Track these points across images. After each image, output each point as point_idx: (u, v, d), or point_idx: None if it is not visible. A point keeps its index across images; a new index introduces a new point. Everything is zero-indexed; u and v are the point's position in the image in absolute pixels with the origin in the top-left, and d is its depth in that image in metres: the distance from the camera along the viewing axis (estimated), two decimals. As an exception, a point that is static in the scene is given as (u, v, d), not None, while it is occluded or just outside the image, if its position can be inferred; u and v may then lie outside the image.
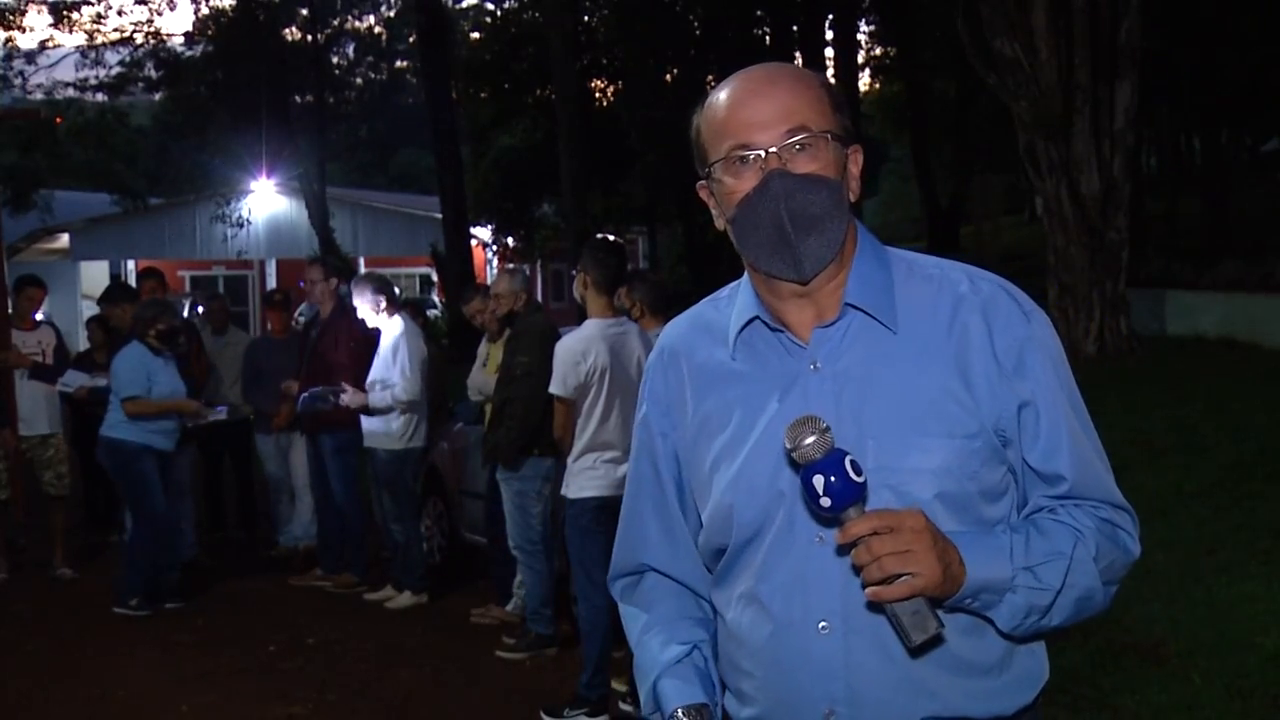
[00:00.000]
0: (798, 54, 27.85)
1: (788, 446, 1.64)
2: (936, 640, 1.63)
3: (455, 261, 23.41)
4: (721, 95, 1.79)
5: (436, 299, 27.37)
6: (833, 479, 1.59)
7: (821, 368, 1.77)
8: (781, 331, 1.80)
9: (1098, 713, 4.82)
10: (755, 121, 1.73)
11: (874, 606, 1.64)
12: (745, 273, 1.85)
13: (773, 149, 1.72)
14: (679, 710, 1.82)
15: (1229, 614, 5.70)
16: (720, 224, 1.82)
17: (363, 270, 26.63)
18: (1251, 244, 17.92)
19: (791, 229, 1.71)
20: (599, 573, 5.44)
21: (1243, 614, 5.68)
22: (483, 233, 30.16)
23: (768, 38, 28.94)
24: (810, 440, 1.62)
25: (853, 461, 1.61)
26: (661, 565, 1.95)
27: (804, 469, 1.62)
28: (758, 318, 1.81)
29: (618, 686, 5.58)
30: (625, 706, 5.49)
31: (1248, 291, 14.79)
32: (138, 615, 7.27)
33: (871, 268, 1.80)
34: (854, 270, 1.79)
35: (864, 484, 1.61)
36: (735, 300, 1.87)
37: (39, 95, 31.59)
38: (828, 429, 1.63)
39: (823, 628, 1.72)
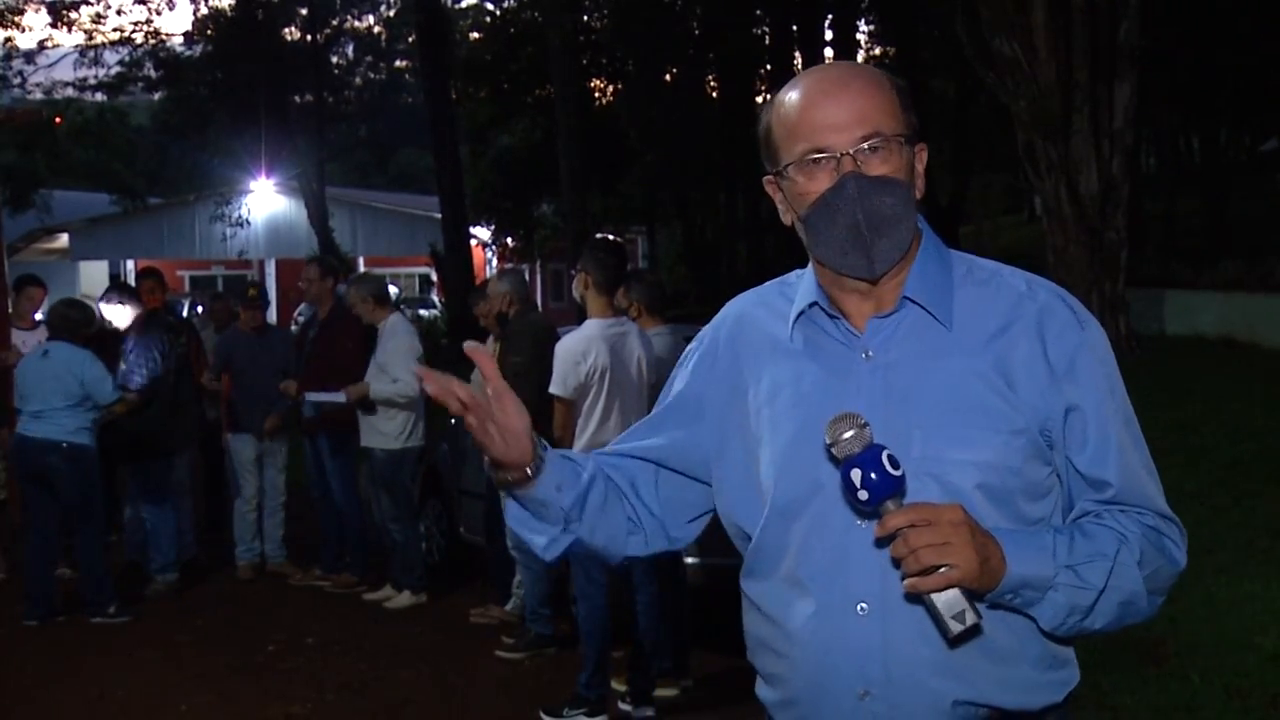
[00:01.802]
0: (797, 54, 27.88)
1: (827, 441, 1.68)
2: (974, 631, 1.66)
3: (455, 261, 23.42)
4: (794, 95, 1.81)
5: (436, 299, 27.38)
6: (871, 474, 1.63)
7: (874, 357, 1.81)
8: (839, 319, 1.84)
9: (1098, 712, 4.82)
10: (829, 124, 1.76)
11: (913, 597, 1.67)
12: (809, 263, 1.89)
13: (847, 151, 1.76)
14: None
15: (1228, 614, 5.71)
16: (787, 219, 1.86)
17: (362, 270, 26.63)
18: (1250, 244, 17.95)
19: (866, 230, 1.76)
20: (598, 572, 5.44)
21: (1241, 614, 5.69)
22: (482, 233, 30.18)
23: (767, 38, 28.97)
24: (849, 435, 1.66)
25: (890, 456, 1.64)
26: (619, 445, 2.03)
27: (843, 463, 1.66)
28: (816, 304, 1.85)
29: (617, 686, 5.58)
30: (624, 706, 5.49)
31: (1247, 291, 14.81)
32: (120, 621, 7.23)
33: (933, 265, 1.84)
34: (915, 265, 1.83)
35: (902, 478, 1.64)
36: (800, 284, 1.91)
37: (38, 95, 31.60)
38: (866, 424, 1.66)
39: (861, 609, 1.75)
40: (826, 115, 1.77)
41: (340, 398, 7.47)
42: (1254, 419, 9.49)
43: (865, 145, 1.76)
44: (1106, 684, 5.01)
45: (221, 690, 6.02)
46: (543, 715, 5.45)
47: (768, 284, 1.99)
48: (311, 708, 5.74)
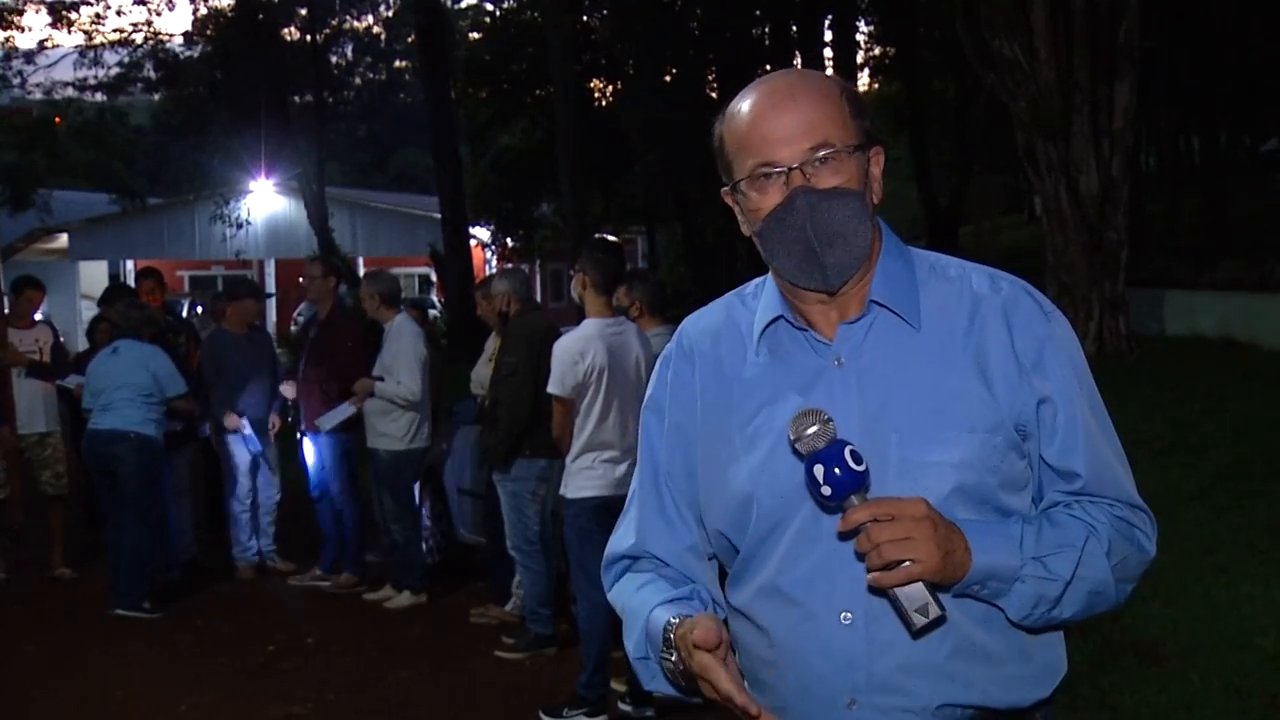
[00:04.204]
0: (797, 54, 27.88)
1: (791, 437, 1.69)
2: (937, 624, 1.67)
3: (454, 261, 23.42)
4: (744, 107, 1.81)
5: (436, 299, 27.36)
6: (834, 469, 1.64)
7: (845, 363, 1.80)
8: (805, 330, 1.83)
9: (1097, 712, 4.82)
10: (778, 137, 1.76)
11: (878, 592, 1.68)
12: (769, 271, 1.88)
13: (795, 166, 1.75)
14: (672, 618, 1.78)
15: (1227, 614, 5.70)
16: (746, 231, 1.85)
17: (362, 270, 26.62)
18: (1250, 244, 17.92)
19: (818, 244, 1.75)
20: (598, 572, 5.43)
21: (1241, 614, 5.68)
22: (482, 233, 30.17)
23: (767, 38, 28.96)
24: (812, 430, 1.67)
25: (853, 451, 1.65)
26: (660, 552, 1.95)
27: (806, 459, 1.67)
28: (782, 317, 1.84)
29: (617, 686, 5.58)
30: (624, 706, 5.49)
31: (1247, 291, 14.80)
32: (146, 617, 7.27)
33: (896, 267, 1.83)
34: (879, 269, 1.82)
35: (864, 473, 1.65)
36: (760, 296, 1.90)
37: (38, 95, 31.63)
38: (830, 420, 1.68)
39: (845, 618, 1.75)
40: (774, 129, 1.76)
41: (350, 410, 7.50)
42: (1254, 419, 9.48)
43: (814, 158, 1.75)
44: (1106, 684, 5.01)
45: (221, 690, 6.02)
46: (542, 715, 5.45)
47: (726, 297, 1.97)
48: (311, 708, 5.74)
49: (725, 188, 1.86)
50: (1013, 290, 1.83)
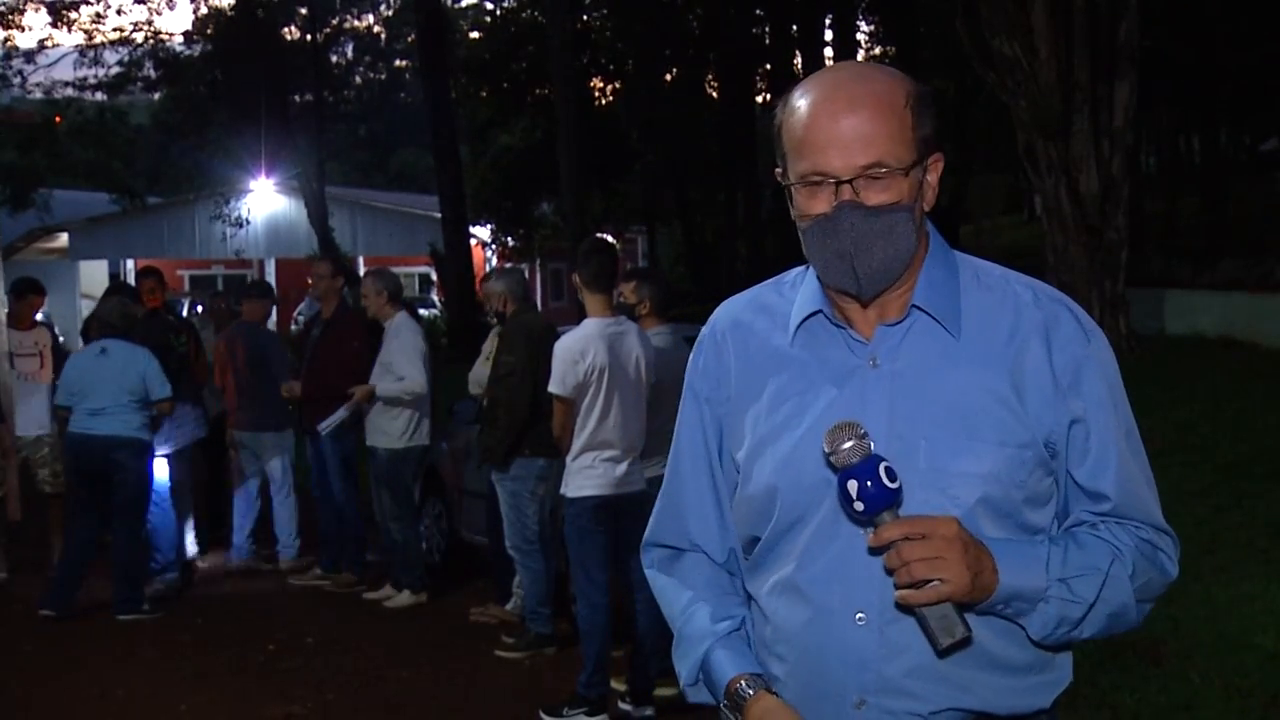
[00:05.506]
0: (797, 54, 27.89)
1: (826, 450, 1.69)
2: (964, 644, 1.67)
3: (454, 261, 23.43)
4: (804, 105, 1.77)
5: (436, 298, 27.37)
6: (868, 484, 1.65)
7: (880, 364, 1.79)
8: (843, 328, 1.83)
9: (1096, 711, 4.82)
10: (834, 146, 1.73)
11: (904, 608, 1.68)
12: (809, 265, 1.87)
13: (847, 179, 1.73)
14: (742, 679, 1.82)
15: (1227, 613, 5.70)
16: (794, 215, 1.83)
17: (362, 270, 26.61)
18: (1250, 243, 17.94)
19: (856, 258, 1.74)
20: (598, 572, 5.44)
21: (1241, 614, 5.69)
22: (482, 232, 30.19)
23: (767, 38, 28.98)
24: (848, 445, 1.67)
25: (888, 468, 1.65)
26: (706, 545, 1.95)
27: (840, 473, 1.67)
28: (821, 311, 1.83)
29: (616, 685, 5.58)
30: (624, 705, 5.49)
31: (1247, 291, 14.81)
32: (146, 618, 7.26)
33: (941, 273, 1.82)
34: (923, 273, 1.81)
35: (898, 490, 1.65)
36: (800, 287, 1.89)
37: (38, 94, 31.65)
38: (865, 435, 1.67)
39: (859, 619, 1.75)
40: (831, 138, 1.73)
41: (344, 414, 7.48)
42: (1254, 419, 9.49)
43: (866, 174, 1.73)
44: (1106, 683, 5.01)
45: (221, 690, 6.02)
46: (543, 715, 5.44)
47: (763, 286, 1.96)
48: (312, 707, 5.74)
49: (778, 169, 1.84)
50: (1055, 307, 1.82)
